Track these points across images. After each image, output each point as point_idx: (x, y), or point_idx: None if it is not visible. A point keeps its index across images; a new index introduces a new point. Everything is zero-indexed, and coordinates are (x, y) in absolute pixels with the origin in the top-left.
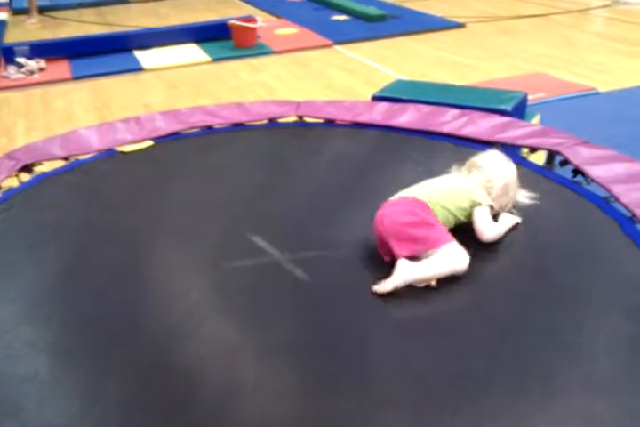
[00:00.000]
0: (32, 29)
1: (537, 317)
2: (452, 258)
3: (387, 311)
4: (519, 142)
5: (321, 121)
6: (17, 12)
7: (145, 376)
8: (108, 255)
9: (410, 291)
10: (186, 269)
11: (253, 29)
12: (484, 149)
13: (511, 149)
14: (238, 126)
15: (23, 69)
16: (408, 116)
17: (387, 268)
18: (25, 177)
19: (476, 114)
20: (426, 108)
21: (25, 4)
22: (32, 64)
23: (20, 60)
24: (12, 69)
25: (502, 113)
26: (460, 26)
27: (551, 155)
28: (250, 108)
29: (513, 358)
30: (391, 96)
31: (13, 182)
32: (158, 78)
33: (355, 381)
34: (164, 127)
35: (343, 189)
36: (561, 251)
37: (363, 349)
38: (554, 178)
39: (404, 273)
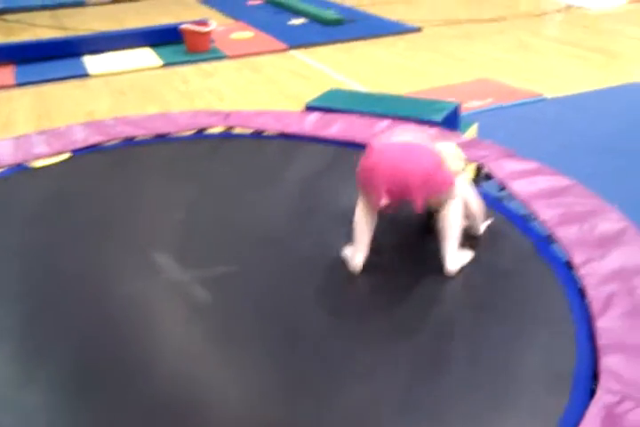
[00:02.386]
0: None
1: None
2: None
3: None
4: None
5: (250, 131)
6: None
7: None
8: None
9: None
10: (78, 294)
11: (206, 34)
12: None
13: None
14: (162, 138)
15: None
16: (338, 127)
17: (301, 285)
18: None
19: (406, 124)
20: (357, 119)
21: None
22: None
23: None
24: None
25: (433, 124)
26: (417, 30)
27: (478, 168)
28: (176, 118)
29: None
30: (324, 106)
31: None
32: (106, 84)
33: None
34: (83, 139)
35: (261, 204)
36: (473, 274)
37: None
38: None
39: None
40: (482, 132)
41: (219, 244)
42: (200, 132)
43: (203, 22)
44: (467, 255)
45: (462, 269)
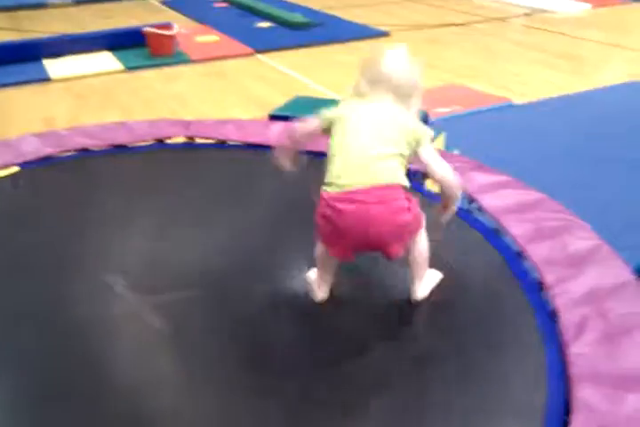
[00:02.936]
0: None
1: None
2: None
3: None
4: (411, 167)
5: (212, 141)
6: None
7: None
8: None
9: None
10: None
11: (169, 37)
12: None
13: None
14: (120, 149)
15: None
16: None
17: (263, 309)
18: None
19: None
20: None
21: None
22: None
23: None
24: None
25: None
26: (385, 34)
27: None
28: (135, 127)
29: None
30: (287, 114)
31: None
32: (65, 89)
33: None
34: (34, 151)
35: (224, 219)
36: (441, 294)
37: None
38: None
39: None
40: (450, 140)
41: (178, 265)
42: (160, 142)
43: (166, 25)
44: (434, 278)
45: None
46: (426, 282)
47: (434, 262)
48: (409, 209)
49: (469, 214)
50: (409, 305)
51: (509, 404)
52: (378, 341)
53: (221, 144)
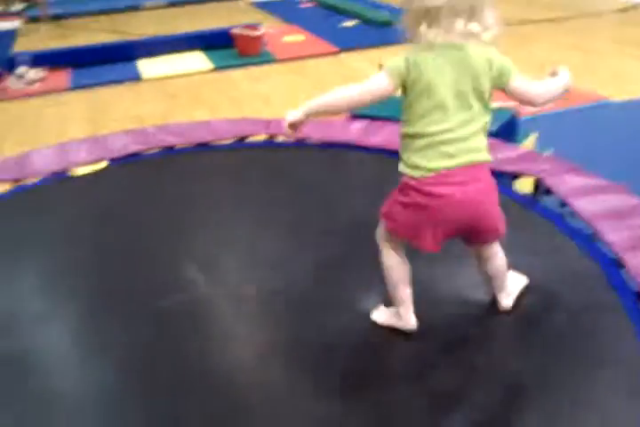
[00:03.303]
0: (43, 38)
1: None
2: None
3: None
4: (499, 168)
5: (292, 140)
6: (31, 19)
7: None
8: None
9: None
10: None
11: (256, 38)
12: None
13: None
14: (203, 146)
15: (24, 79)
16: (384, 135)
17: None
18: None
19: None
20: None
21: (39, 13)
22: (31, 74)
23: (22, 69)
24: (13, 80)
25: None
26: None
27: (537, 182)
28: (217, 126)
29: None
30: (369, 113)
31: None
32: (156, 88)
33: None
34: (122, 147)
35: (302, 217)
36: (530, 306)
37: None
38: (536, 209)
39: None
40: (542, 140)
41: (264, 262)
42: (242, 140)
43: (253, 26)
44: (520, 282)
45: (518, 300)
46: (511, 289)
47: (522, 270)
48: (495, 188)
49: (562, 219)
50: (495, 317)
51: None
52: (469, 357)
53: (301, 142)
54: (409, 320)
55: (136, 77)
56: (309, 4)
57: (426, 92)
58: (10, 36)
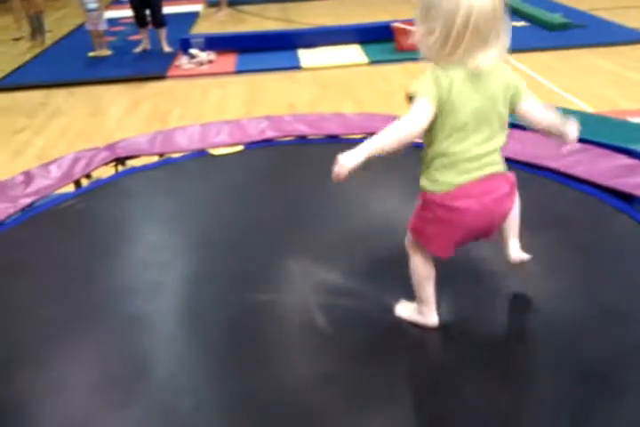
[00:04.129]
0: (219, 22)
1: None
2: None
3: None
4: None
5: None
6: (211, 4)
7: None
8: (164, 259)
9: None
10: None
11: None
12: (595, 195)
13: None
14: (333, 139)
15: (194, 60)
16: (516, 146)
17: None
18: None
19: (596, 151)
20: (538, 138)
21: None
22: (203, 56)
23: (194, 51)
24: (184, 60)
25: (631, 154)
26: None
27: None
28: (351, 120)
29: None
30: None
31: (108, 173)
32: (312, 78)
33: None
34: (259, 133)
35: None
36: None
37: None
38: None
39: None
40: None
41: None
42: (370, 135)
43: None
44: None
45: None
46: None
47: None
48: (513, 190)
49: None
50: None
51: None
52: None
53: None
54: (431, 318)
55: (296, 66)
56: None
57: (452, 113)
58: (192, 18)
